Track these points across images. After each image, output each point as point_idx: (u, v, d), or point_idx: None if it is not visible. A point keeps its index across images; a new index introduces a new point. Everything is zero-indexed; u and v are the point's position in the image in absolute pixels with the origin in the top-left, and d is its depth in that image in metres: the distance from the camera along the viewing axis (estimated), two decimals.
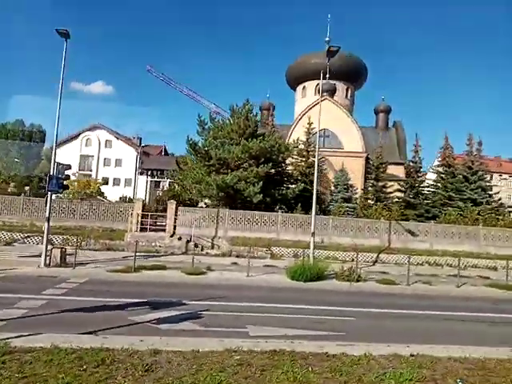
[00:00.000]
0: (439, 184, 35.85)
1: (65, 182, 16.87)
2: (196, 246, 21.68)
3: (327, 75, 45.59)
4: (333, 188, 36.00)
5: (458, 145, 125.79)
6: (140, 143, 67.60)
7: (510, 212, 39.98)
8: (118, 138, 61.81)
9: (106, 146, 61.94)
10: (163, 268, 16.05)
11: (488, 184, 36.81)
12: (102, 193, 44.84)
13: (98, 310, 9.38)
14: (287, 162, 34.17)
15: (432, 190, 35.51)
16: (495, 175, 56.79)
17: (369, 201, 34.72)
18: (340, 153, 42.93)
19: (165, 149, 76.72)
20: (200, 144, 27.22)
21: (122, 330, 7.73)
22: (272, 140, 27.16)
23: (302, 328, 8.84)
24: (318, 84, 47.81)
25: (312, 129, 37.11)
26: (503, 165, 61.66)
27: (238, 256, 21.18)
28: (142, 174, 59.76)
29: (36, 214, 21.88)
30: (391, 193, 36.17)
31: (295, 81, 52.75)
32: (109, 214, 22.41)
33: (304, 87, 51.45)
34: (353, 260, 21.85)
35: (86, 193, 42.80)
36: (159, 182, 60.21)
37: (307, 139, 36.20)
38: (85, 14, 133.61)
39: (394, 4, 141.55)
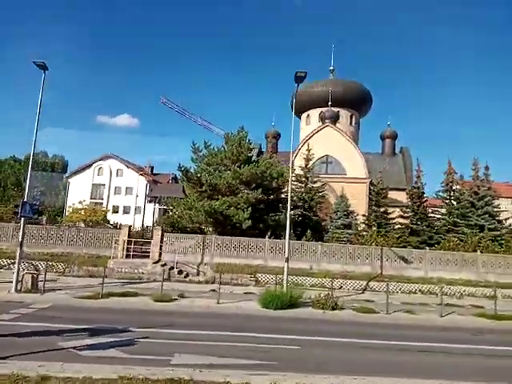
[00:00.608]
0: (443, 210, 34.75)
1: (37, 210, 16.83)
2: (180, 272, 21.43)
3: (329, 103, 45.99)
4: (333, 214, 35.39)
5: (468, 171, 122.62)
6: (152, 171, 68.87)
7: None
8: (128, 167, 62.98)
9: (117, 175, 63.16)
10: (134, 295, 15.79)
11: (496, 209, 35.47)
12: (108, 220, 45.39)
13: (33, 335, 9.20)
14: (286, 188, 34.09)
15: (437, 215, 34.37)
16: (507, 200, 54.96)
17: (370, 227, 33.91)
18: (342, 179, 42.51)
19: (175, 177, 77.65)
20: (193, 171, 27.33)
21: (38, 356, 7.47)
22: (263, 166, 27.01)
23: (235, 357, 8.38)
24: (321, 112, 48.10)
25: (311, 155, 36.97)
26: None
27: (221, 283, 20.70)
28: (150, 201, 60.32)
29: (25, 241, 22.03)
30: (393, 219, 35.27)
31: (299, 109, 53.03)
32: (95, 241, 22.47)
33: (308, 115, 51.77)
34: (341, 287, 21.29)
35: (91, 220, 43.49)
36: (166, 209, 60.67)
37: (306, 165, 35.99)
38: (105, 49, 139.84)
39: (399, 27, 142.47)
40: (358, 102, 50.62)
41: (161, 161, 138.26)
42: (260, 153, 50.11)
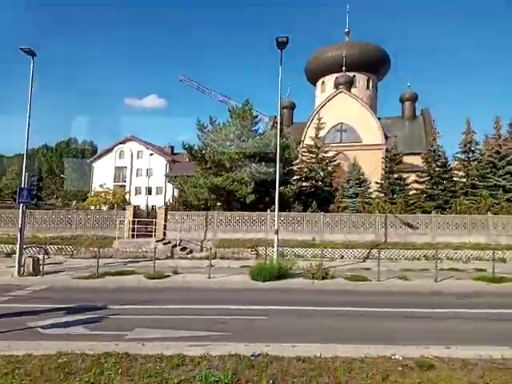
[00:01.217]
0: (461, 172, 33.41)
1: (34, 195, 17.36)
2: (183, 249, 21.92)
3: (343, 68, 44.54)
4: (345, 184, 34.84)
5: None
6: (172, 151, 69.59)
7: None
8: (148, 148, 63.93)
9: (138, 157, 64.35)
10: (130, 273, 16.38)
11: None
12: (129, 202, 46.65)
13: (12, 315, 9.70)
14: (299, 159, 33.83)
15: (455, 178, 33.09)
16: None
17: (382, 194, 33.20)
18: (358, 146, 41.62)
19: None
20: (197, 148, 27.42)
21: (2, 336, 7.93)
22: (266, 138, 26.75)
23: (195, 329, 8.60)
24: (336, 77, 46.64)
25: (321, 124, 36.23)
26: None
27: (222, 258, 21.17)
28: (169, 181, 61.27)
29: (37, 226, 23.14)
30: (408, 184, 34.33)
31: (314, 76, 51.85)
32: (102, 223, 23.22)
33: (323, 82, 50.41)
34: (342, 257, 21.21)
35: (111, 203, 44.89)
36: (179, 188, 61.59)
37: (316, 135, 35.35)
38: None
39: None
40: (375, 65, 48.71)
41: (188, 140, 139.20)
42: (276, 124, 49.54)
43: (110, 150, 65.22)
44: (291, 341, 7.42)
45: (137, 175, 63.90)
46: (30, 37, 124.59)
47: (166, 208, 23.74)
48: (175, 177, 29.72)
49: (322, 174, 34.12)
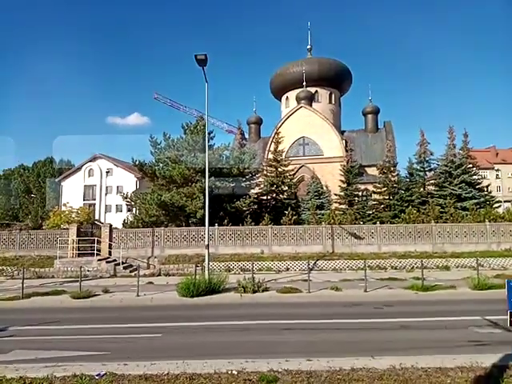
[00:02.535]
0: (417, 181, 33.97)
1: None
2: (128, 267, 21.52)
3: (304, 83, 45.24)
4: (306, 196, 35.07)
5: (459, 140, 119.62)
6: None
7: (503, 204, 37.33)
8: (117, 166, 63.35)
9: (107, 175, 63.68)
10: (59, 293, 15.93)
11: (475, 177, 34.53)
12: (93, 221, 45.81)
13: None
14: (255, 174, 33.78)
15: (406, 188, 33.59)
16: (494, 167, 53.58)
17: (342, 205, 33.49)
18: (320, 159, 42.03)
19: None
20: (149, 164, 27.23)
21: None
22: (217, 154, 26.76)
23: (77, 349, 8.33)
24: (297, 93, 47.27)
25: (281, 138, 36.50)
26: (501, 154, 58.48)
27: (167, 274, 20.84)
28: (123, 199, 60.70)
29: None
30: (366, 196, 34.75)
31: (278, 92, 52.49)
32: (47, 242, 22.72)
33: (287, 97, 51.01)
34: (288, 269, 21.12)
35: (74, 221, 43.97)
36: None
37: (275, 149, 35.56)
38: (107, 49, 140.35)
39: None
40: (336, 80, 49.57)
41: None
42: (244, 139, 49.78)
43: (78, 169, 64.48)
44: (162, 358, 7.22)
45: (106, 193, 63.13)
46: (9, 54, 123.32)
47: (110, 226, 23.39)
48: (126, 194, 29.25)
49: (283, 187, 34.25)
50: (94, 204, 61.97)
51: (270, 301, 14.14)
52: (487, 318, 10.46)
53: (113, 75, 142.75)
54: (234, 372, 6.02)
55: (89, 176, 63.96)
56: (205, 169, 26.09)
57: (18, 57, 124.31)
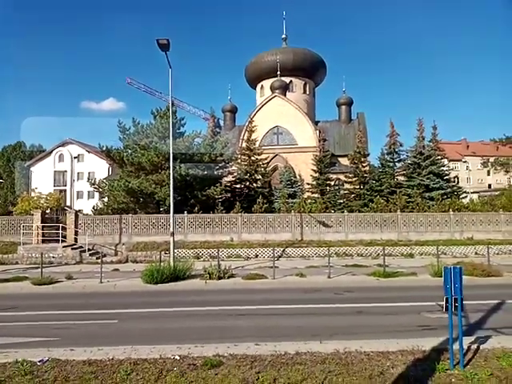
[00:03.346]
0: (387, 172, 34.54)
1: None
2: (95, 254, 21.19)
3: (278, 72, 45.05)
4: (279, 184, 35.20)
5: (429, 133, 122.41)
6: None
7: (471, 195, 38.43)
8: (89, 152, 61.95)
9: (78, 161, 62.29)
10: (21, 280, 15.56)
11: (443, 169, 35.36)
12: (64, 207, 44.82)
13: None
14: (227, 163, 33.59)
15: (377, 179, 34.18)
16: (465, 159, 55.23)
17: (314, 194, 33.80)
18: (294, 149, 42.17)
19: None
20: (115, 150, 26.66)
21: None
22: (187, 141, 26.47)
23: (28, 335, 8.20)
24: (272, 82, 47.05)
25: (254, 127, 36.36)
26: (472, 146, 60.15)
27: (134, 262, 20.66)
28: (91, 185, 59.76)
29: None
30: (338, 185, 35.19)
31: (253, 80, 52.16)
32: (10, 228, 22.10)
33: (262, 86, 50.75)
34: (256, 256, 21.27)
35: (43, 207, 42.91)
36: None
37: (248, 138, 35.42)
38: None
39: None
40: (310, 70, 49.54)
41: None
42: (218, 128, 49.40)
43: (48, 154, 62.90)
44: (114, 344, 7.17)
45: (78, 179, 61.76)
46: None
47: (75, 212, 22.95)
48: (94, 180, 28.66)
49: (256, 176, 34.23)
50: (65, 190, 60.71)
51: (235, 287, 14.22)
52: (440, 303, 10.80)
53: (88, 60, 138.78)
54: (176, 357, 6.03)
55: (59, 161, 62.48)
56: (176, 155, 26.03)
57: None
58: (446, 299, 5.90)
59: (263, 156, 36.12)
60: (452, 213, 24.47)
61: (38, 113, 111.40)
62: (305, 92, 50.01)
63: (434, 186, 33.45)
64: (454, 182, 37.55)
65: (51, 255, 20.25)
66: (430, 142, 35.84)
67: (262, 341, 7.12)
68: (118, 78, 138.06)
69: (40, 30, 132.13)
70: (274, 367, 5.76)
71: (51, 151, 62.11)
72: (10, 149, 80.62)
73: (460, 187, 36.25)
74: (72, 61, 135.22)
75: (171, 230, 16.37)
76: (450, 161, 51.19)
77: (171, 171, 16.94)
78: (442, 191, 32.89)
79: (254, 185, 34.31)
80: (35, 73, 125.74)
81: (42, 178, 60.06)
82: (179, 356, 6.10)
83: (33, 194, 46.53)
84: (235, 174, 34.44)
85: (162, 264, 15.80)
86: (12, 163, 74.29)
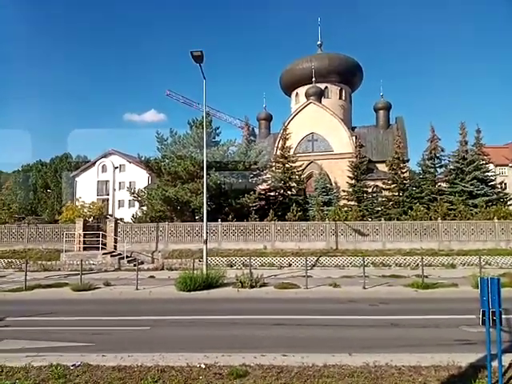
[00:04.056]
0: (427, 178, 33.40)
1: None
2: (132, 261, 21.77)
3: (313, 79, 44.87)
4: (314, 192, 34.88)
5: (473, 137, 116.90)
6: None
7: None
8: (130, 162, 64.04)
9: (120, 171, 64.54)
10: (62, 286, 16.24)
11: (488, 174, 33.81)
12: (106, 215, 46.52)
13: None
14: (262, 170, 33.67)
15: (417, 185, 33.11)
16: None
17: (350, 202, 33.19)
18: (329, 155, 41.68)
19: None
20: (154, 160, 27.43)
21: None
22: (222, 150, 26.80)
23: (66, 340, 8.51)
24: (307, 89, 46.87)
25: (288, 134, 36.34)
26: None
27: (170, 269, 21.04)
28: (131, 195, 61.31)
29: None
30: (376, 192, 34.40)
31: (288, 88, 52.15)
32: (54, 236, 23.14)
33: (297, 93, 50.61)
34: (290, 265, 21.09)
35: (87, 215, 44.73)
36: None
37: (283, 146, 35.41)
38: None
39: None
40: (346, 75, 48.91)
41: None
42: (253, 136, 49.81)
43: (92, 164, 65.51)
44: (144, 350, 7.31)
45: (119, 188, 63.89)
46: (28, 53, 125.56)
47: (115, 220, 23.71)
48: (134, 190, 29.54)
49: (290, 183, 34.13)
50: (108, 199, 62.96)
51: (267, 296, 14.15)
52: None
53: (131, 72, 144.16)
54: (202, 366, 6.05)
55: (102, 171, 64.91)
56: (211, 164, 26.40)
57: (38, 55, 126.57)
58: (483, 312, 5.58)
59: (298, 163, 35.96)
60: (497, 221, 23.25)
61: (84, 125, 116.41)
62: (340, 98, 49.42)
63: (478, 192, 31.98)
64: (500, 188, 35.78)
65: (91, 262, 21.00)
66: (473, 146, 34.39)
67: (290, 351, 7.03)
68: (160, 89, 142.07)
69: (87, 47, 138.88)
70: (300, 379, 5.66)
71: (95, 162, 64.68)
72: (57, 160, 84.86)
73: (507, 193, 34.42)
74: (116, 74, 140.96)
75: (204, 237, 16.55)
76: (495, 166, 48.83)
77: (205, 180, 17.21)
78: (487, 198, 31.38)
79: (289, 192, 34.20)
80: (83, 87, 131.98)
81: (86, 188, 62.65)
82: (205, 365, 6.11)
83: (77, 203, 48.65)
84: (269, 182, 34.47)
85: (195, 272, 15.97)
86: (59, 174, 77.98)
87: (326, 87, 48.27)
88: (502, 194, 33.00)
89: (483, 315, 5.50)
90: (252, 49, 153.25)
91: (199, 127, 28.40)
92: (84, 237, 22.43)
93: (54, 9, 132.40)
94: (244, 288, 15.05)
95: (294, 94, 51.49)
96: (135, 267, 21.19)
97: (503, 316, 5.65)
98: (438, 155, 33.95)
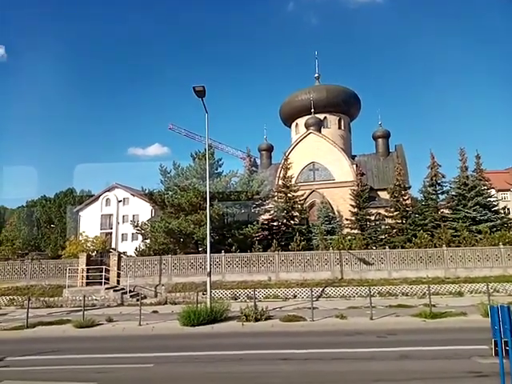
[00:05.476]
0: (430, 205, 33.32)
1: None
2: (135, 295, 21.50)
3: (312, 110, 45.67)
4: (316, 221, 34.76)
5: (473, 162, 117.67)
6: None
7: None
8: (133, 195, 64.33)
9: (123, 204, 64.70)
10: (64, 322, 15.99)
11: (490, 199, 33.76)
12: (109, 249, 46.31)
13: None
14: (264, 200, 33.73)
15: (419, 212, 32.99)
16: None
17: (353, 230, 33.02)
18: (331, 184, 41.84)
19: None
20: (157, 192, 27.59)
21: None
22: (224, 181, 26.98)
23: (63, 379, 8.31)
24: (306, 120, 47.62)
25: (289, 164, 36.65)
26: None
27: (173, 303, 20.73)
28: (134, 227, 61.22)
29: None
30: (378, 220, 34.27)
31: (288, 119, 53.00)
32: (57, 272, 22.99)
33: (297, 124, 51.37)
34: (295, 296, 20.79)
35: (90, 250, 44.55)
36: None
37: (284, 175, 35.63)
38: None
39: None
40: (344, 106, 49.78)
41: None
42: (255, 166, 50.24)
43: (96, 199, 65.78)
44: None
45: (123, 222, 63.89)
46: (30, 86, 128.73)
47: (118, 254, 23.60)
48: (137, 222, 29.56)
49: (293, 213, 34.09)
50: (111, 233, 62.85)
51: (272, 330, 13.89)
52: None
53: (134, 108, 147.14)
54: None
55: (106, 205, 65.09)
56: (213, 195, 26.52)
57: (41, 92, 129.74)
58: (495, 342, 5.45)
59: (300, 192, 36.04)
60: (503, 246, 23.01)
61: (89, 160, 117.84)
62: (340, 127, 50.10)
63: (482, 218, 31.81)
64: (504, 213, 35.63)
65: (94, 297, 20.75)
66: (473, 171, 34.51)
67: None
68: (163, 124, 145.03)
69: (91, 83, 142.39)
70: None
71: (99, 196, 64.99)
72: (61, 195, 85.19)
73: (511, 219, 34.24)
74: (121, 109, 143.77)
75: (208, 269, 16.42)
76: (497, 191, 48.89)
77: (208, 211, 17.23)
78: (491, 223, 31.18)
79: (291, 222, 34.10)
80: (88, 123, 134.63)
81: (89, 222, 62.61)
82: None
83: (80, 238, 48.60)
84: (272, 212, 34.47)
85: (198, 305, 15.74)
86: (63, 209, 78.15)
87: (325, 117, 49.05)
88: (505, 220, 32.77)
89: (495, 345, 5.38)
90: (252, 83, 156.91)
91: (202, 159, 28.72)
92: (87, 272, 22.27)
93: (59, 47, 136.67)
94: (249, 321, 14.78)
95: (293, 124, 52.27)
96: (138, 302, 20.92)
97: None
98: (439, 182, 33.99)
